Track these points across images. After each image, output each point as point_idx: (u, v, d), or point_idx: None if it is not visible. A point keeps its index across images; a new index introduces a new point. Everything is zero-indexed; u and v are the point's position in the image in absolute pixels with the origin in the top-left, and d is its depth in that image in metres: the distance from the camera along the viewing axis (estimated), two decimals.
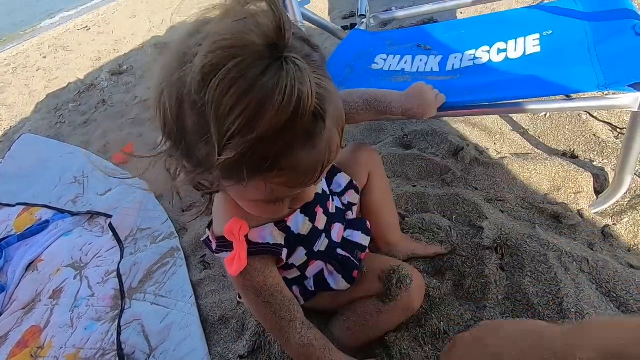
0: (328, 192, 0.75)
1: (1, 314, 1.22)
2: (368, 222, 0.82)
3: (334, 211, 0.75)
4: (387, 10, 1.25)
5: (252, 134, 0.36)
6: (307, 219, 0.65)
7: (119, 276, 1.17)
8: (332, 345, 0.65)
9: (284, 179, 0.43)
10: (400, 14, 1.25)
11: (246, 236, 0.56)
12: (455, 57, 0.93)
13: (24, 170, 1.94)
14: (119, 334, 1.00)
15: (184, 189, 0.51)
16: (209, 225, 0.65)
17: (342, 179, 0.82)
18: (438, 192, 1.02)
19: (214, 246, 0.60)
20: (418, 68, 0.94)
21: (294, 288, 0.73)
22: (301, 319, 0.64)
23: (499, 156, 1.08)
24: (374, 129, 1.38)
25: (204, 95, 0.36)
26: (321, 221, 0.69)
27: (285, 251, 0.62)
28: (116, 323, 1.03)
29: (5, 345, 1.12)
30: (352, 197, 0.82)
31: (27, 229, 1.52)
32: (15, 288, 1.29)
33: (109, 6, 5.89)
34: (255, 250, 0.57)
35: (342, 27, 1.25)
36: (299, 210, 0.63)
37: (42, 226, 1.52)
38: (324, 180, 0.72)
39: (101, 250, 1.31)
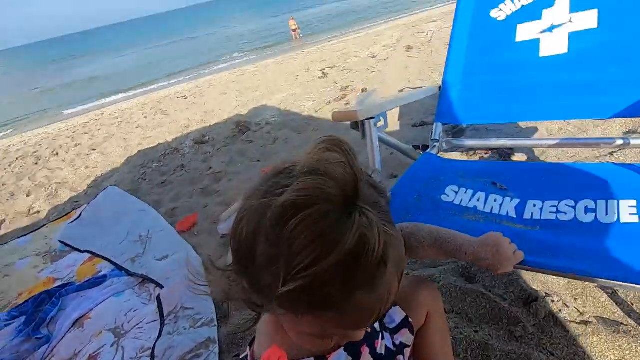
0: (378, 329, 0.69)
1: None
2: None
3: (383, 352, 0.68)
4: (459, 138, 1.27)
5: (318, 270, 0.39)
6: (350, 358, 0.60)
7: (152, 357, 1.16)
8: None
9: (339, 319, 0.43)
10: (472, 143, 1.26)
11: None
12: (535, 205, 0.88)
13: (101, 220, 2.14)
14: None
15: (237, 303, 0.53)
16: (251, 343, 0.64)
17: (397, 315, 0.77)
18: (504, 347, 0.90)
19: None
20: (492, 209, 0.91)
21: None
22: None
23: (581, 318, 0.95)
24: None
25: (280, 230, 0.40)
26: None
27: None
28: None
29: None
30: (405, 337, 0.75)
31: (86, 280, 1.62)
32: (58, 342, 1.33)
33: (206, 79, 6.88)
34: None
35: (413, 146, 1.29)
36: (342, 349, 0.59)
37: (99, 280, 1.61)
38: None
39: (143, 321, 1.33)
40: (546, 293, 1.03)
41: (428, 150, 1.24)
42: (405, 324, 0.75)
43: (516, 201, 0.92)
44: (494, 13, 1.30)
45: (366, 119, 0.95)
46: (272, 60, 7.21)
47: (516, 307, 1.01)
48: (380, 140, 1.05)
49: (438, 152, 1.25)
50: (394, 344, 0.73)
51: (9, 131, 7.95)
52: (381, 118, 1.04)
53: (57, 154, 4.05)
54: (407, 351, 0.74)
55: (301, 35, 12.72)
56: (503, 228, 0.84)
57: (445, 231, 0.75)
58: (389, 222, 0.47)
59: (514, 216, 0.88)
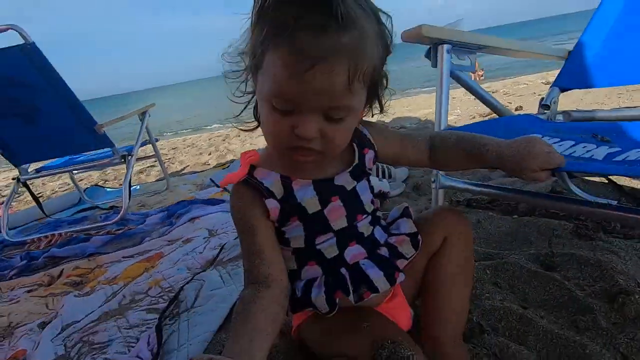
0: (366, 208, 0.66)
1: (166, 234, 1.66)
2: (403, 277, 0.65)
3: (363, 232, 0.65)
4: (585, 110, 1.03)
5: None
6: (317, 197, 0.61)
7: (221, 249, 1.38)
8: (259, 333, 0.53)
9: (281, 62, 0.48)
10: (603, 114, 0.99)
11: (252, 167, 0.61)
12: (639, 152, 0.65)
13: None
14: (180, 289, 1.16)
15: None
16: None
17: (406, 225, 0.70)
18: (553, 329, 0.68)
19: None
20: (572, 153, 0.71)
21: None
22: (260, 274, 0.59)
23: None
24: (513, 235, 1.09)
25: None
26: (335, 216, 0.62)
27: (275, 205, 0.60)
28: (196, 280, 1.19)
29: (140, 253, 1.50)
30: (405, 247, 0.68)
31: (210, 199, 2.03)
32: (176, 228, 1.73)
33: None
34: (249, 181, 0.60)
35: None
36: (311, 184, 0.61)
37: (218, 201, 1.99)
38: (360, 184, 0.65)
39: (229, 228, 1.59)
40: None
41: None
42: (409, 234, 0.69)
43: (615, 149, 0.70)
44: None
45: (439, 44, 0.90)
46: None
47: (595, 299, 0.74)
48: (460, 80, 0.98)
49: (547, 119, 1.05)
50: (387, 242, 0.68)
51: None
52: (467, 57, 0.97)
53: (229, 138, 5.13)
54: (402, 263, 0.67)
55: (483, 77, 12.08)
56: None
57: (472, 134, 0.67)
58: (369, 16, 0.51)
59: (600, 159, 0.68)
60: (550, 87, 1.08)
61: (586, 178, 1.39)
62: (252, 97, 0.63)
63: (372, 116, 0.68)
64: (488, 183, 0.95)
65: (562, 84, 1.07)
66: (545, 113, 1.06)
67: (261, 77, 0.53)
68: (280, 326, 0.58)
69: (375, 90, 0.61)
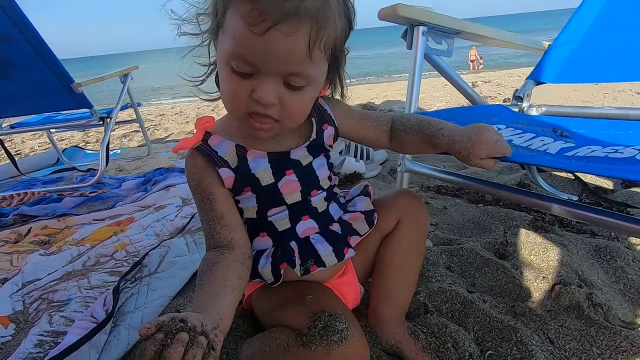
0: (322, 184, 0.66)
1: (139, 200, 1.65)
2: (352, 253, 0.67)
3: (317, 207, 0.66)
4: (555, 105, 1.03)
5: None
6: (270, 169, 0.61)
7: (192, 218, 1.39)
8: (225, 287, 0.53)
9: (242, 21, 0.47)
10: (572, 110, 1.00)
11: (207, 134, 0.61)
12: (590, 149, 0.66)
13: None
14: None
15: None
16: None
17: (363, 203, 0.71)
18: (491, 313, 0.72)
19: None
20: (529, 145, 0.72)
21: None
22: (223, 239, 0.59)
23: (624, 322, 0.66)
24: (475, 222, 1.12)
25: None
26: (288, 189, 0.62)
27: (229, 174, 0.60)
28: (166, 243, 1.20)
29: (111, 217, 1.50)
30: (359, 224, 0.69)
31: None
32: (150, 194, 1.72)
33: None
34: (202, 149, 0.60)
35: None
36: (266, 156, 0.61)
37: None
38: (317, 160, 0.65)
39: None
40: (587, 284, 0.75)
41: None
42: (365, 212, 0.70)
43: (569, 144, 0.72)
44: None
45: (415, 25, 0.89)
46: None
47: (535, 288, 0.78)
48: (435, 64, 0.97)
49: (519, 112, 1.06)
50: (341, 218, 0.69)
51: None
52: (444, 41, 0.96)
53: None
54: (355, 240, 0.68)
55: (482, 66, 11.94)
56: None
57: (433, 119, 0.67)
58: None
59: (553, 153, 0.69)
60: (526, 79, 1.08)
61: (554, 173, 1.42)
62: (215, 65, 0.61)
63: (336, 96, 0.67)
64: (457, 172, 0.96)
65: (537, 77, 1.07)
66: (517, 105, 1.06)
67: (221, 37, 0.52)
68: (246, 284, 0.59)
69: (336, 66, 0.60)
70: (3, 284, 1.07)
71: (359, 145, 1.75)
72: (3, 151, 2.30)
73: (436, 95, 3.98)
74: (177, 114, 4.90)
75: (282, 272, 0.61)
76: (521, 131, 0.81)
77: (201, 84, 0.63)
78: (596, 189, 1.28)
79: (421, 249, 0.75)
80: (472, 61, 12.02)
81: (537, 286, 0.79)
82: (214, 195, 0.60)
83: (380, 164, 1.78)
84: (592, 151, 0.64)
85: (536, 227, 1.02)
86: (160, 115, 4.88)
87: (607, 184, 1.31)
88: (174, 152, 0.61)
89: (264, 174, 0.61)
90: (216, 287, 0.53)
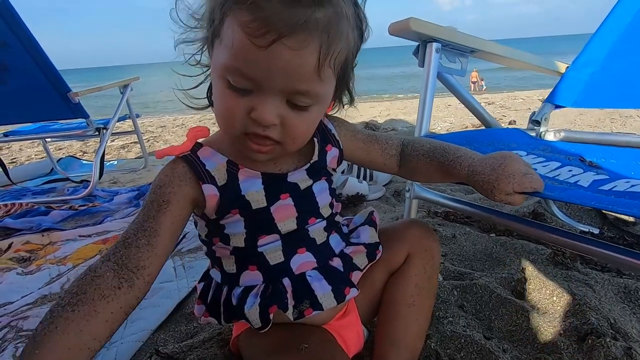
0: (321, 211, 0.58)
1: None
2: (355, 293, 0.58)
3: (315, 237, 0.57)
4: (576, 131, 0.96)
5: None
6: (264, 191, 0.53)
7: None
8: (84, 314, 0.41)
9: (242, 31, 0.41)
10: (595, 137, 0.93)
11: (197, 145, 0.54)
12: (629, 183, 0.59)
13: None
14: None
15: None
16: None
17: (367, 234, 0.63)
18: None
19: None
20: (556, 176, 0.65)
21: (224, 289, 0.58)
22: (134, 260, 0.45)
23: None
24: (487, 254, 1.03)
25: None
26: (282, 215, 0.54)
27: (213, 192, 0.51)
28: None
29: (98, 234, 1.41)
30: (359, 258, 0.61)
31: None
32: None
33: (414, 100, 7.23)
34: (189, 158, 0.52)
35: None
36: (260, 177, 0.53)
37: None
38: (317, 184, 0.58)
39: None
40: (622, 335, 0.66)
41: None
42: (368, 244, 0.62)
43: (602, 177, 0.64)
44: None
45: (428, 41, 0.83)
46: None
47: (563, 337, 0.68)
48: (447, 84, 0.90)
49: (536, 136, 0.98)
50: (342, 252, 0.61)
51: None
52: (458, 60, 0.90)
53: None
54: (356, 275, 0.60)
55: (484, 87, 12.03)
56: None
57: (448, 144, 0.60)
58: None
59: (586, 185, 0.61)
60: (543, 102, 1.02)
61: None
62: (208, 73, 0.55)
63: (343, 111, 0.60)
64: (465, 200, 0.88)
65: (556, 101, 1.00)
66: (534, 129, 1.00)
67: (217, 47, 0.46)
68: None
69: (345, 82, 0.54)
70: None
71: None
72: None
73: (439, 115, 3.94)
74: (178, 126, 4.87)
75: (271, 316, 0.53)
76: (544, 159, 0.74)
77: (190, 89, 0.56)
78: (616, 220, 1.20)
79: (433, 287, 0.67)
80: (474, 83, 12.11)
81: (564, 335, 0.69)
82: (168, 205, 0.49)
83: (383, 186, 1.70)
84: (632, 185, 0.57)
85: (556, 262, 0.93)
86: (162, 127, 4.84)
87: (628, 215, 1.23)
88: (157, 158, 0.53)
89: (256, 195, 0.53)
90: (85, 338, 0.40)
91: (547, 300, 0.80)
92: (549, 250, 0.98)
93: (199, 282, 0.63)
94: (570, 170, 0.68)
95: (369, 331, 0.71)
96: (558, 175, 0.66)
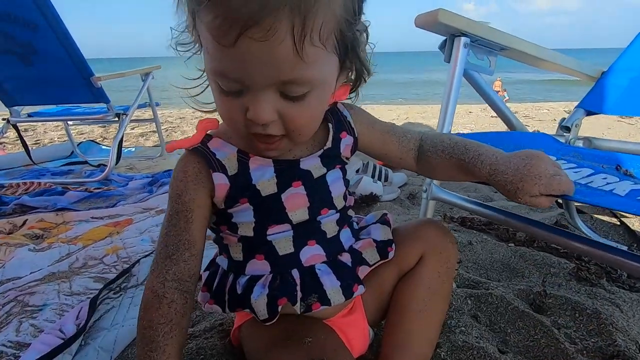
0: (335, 202, 0.55)
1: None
2: (362, 290, 0.56)
3: (327, 230, 0.55)
4: (609, 139, 0.91)
5: None
6: (275, 179, 0.51)
7: None
8: (178, 333, 0.49)
9: (209, 33, 0.39)
10: (631, 147, 0.87)
11: (207, 137, 0.52)
12: None
13: None
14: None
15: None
16: None
17: (379, 232, 0.60)
18: None
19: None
20: (589, 183, 0.60)
21: (230, 277, 0.56)
22: (182, 270, 0.50)
23: None
24: (505, 264, 0.98)
25: None
26: (293, 204, 0.52)
27: (223, 181, 0.50)
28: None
29: (110, 217, 1.42)
30: (369, 253, 0.58)
31: None
32: (155, 196, 1.64)
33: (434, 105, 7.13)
34: (199, 150, 0.51)
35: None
36: (272, 165, 0.51)
37: None
38: (331, 172, 0.55)
39: None
40: None
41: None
42: (380, 242, 0.58)
43: (639, 186, 0.59)
44: None
45: (456, 35, 0.79)
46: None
47: (586, 357, 0.63)
48: (473, 81, 0.86)
49: (565, 143, 0.93)
50: (352, 247, 0.58)
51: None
52: (487, 57, 0.85)
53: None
54: (363, 270, 0.57)
55: (506, 97, 11.76)
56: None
57: (470, 141, 0.56)
58: None
59: (621, 195, 0.56)
60: (575, 108, 0.96)
61: (595, 216, 1.27)
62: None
63: (356, 92, 0.56)
64: (487, 203, 0.84)
65: (589, 107, 0.94)
66: (564, 135, 0.94)
67: (203, 53, 0.44)
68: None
69: (352, 52, 0.47)
70: None
71: (377, 165, 1.64)
72: (19, 139, 2.30)
73: (460, 121, 3.86)
74: (197, 118, 4.91)
75: (279, 308, 0.50)
76: (575, 165, 0.69)
77: (197, 94, 0.54)
78: None
79: (447, 292, 0.63)
80: (496, 92, 11.83)
81: (587, 355, 0.64)
82: (192, 214, 0.51)
83: (398, 187, 1.66)
84: None
85: (579, 277, 0.88)
86: (181, 118, 4.91)
87: None
88: (168, 152, 0.52)
89: (267, 184, 0.51)
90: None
91: (569, 317, 0.75)
92: (572, 264, 0.92)
93: (205, 270, 0.62)
94: (604, 178, 0.63)
95: (374, 333, 0.68)
96: (591, 182, 0.61)
